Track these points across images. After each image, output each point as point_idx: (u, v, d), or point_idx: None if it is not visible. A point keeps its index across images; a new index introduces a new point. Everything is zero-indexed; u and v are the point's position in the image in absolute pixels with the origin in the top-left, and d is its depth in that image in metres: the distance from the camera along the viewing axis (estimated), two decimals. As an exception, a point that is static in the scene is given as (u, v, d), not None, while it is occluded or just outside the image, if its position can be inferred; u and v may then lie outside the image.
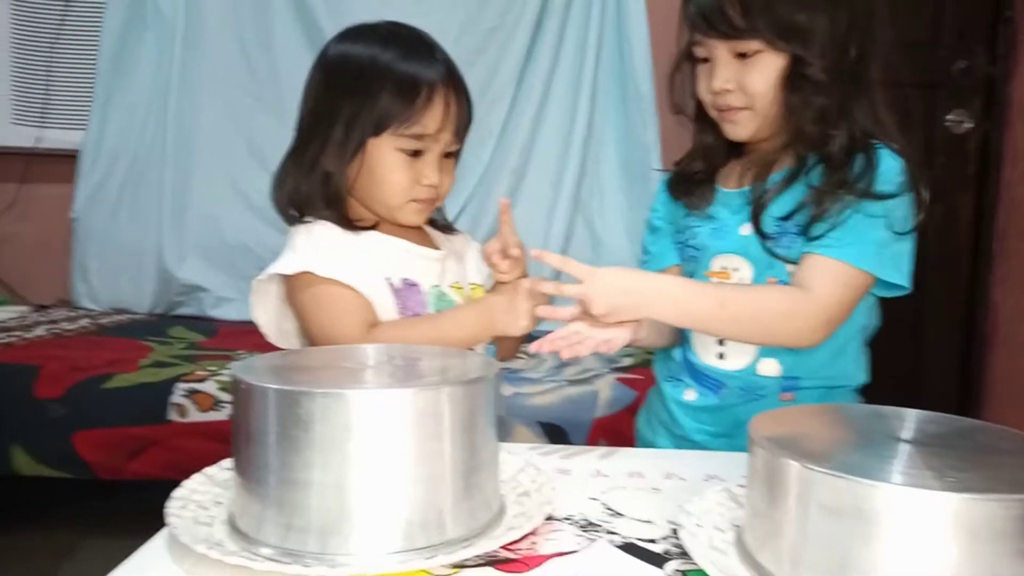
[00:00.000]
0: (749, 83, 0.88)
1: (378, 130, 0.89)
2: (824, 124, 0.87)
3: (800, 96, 0.87)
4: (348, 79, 0.91)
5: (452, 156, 0.96)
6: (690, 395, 0.98)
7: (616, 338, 0.89)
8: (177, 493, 0.65)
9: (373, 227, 0.95)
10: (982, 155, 2.26)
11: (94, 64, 2.62)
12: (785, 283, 0.90)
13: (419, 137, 0.90)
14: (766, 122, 0.91)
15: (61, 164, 2.65)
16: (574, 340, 0.87)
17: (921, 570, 0.46)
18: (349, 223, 0.93)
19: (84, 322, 2.40)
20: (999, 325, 2.08)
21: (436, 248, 1.00)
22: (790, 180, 0.89)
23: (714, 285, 0.92)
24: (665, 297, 0.86)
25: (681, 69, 0.96)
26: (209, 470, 0.70)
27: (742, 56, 0.88)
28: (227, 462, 0.68)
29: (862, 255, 0.85)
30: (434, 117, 0.89)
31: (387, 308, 0.92)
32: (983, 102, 2.25)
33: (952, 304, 2.30)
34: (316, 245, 0.90)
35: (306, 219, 0.93)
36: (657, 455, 0.86)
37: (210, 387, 1.72)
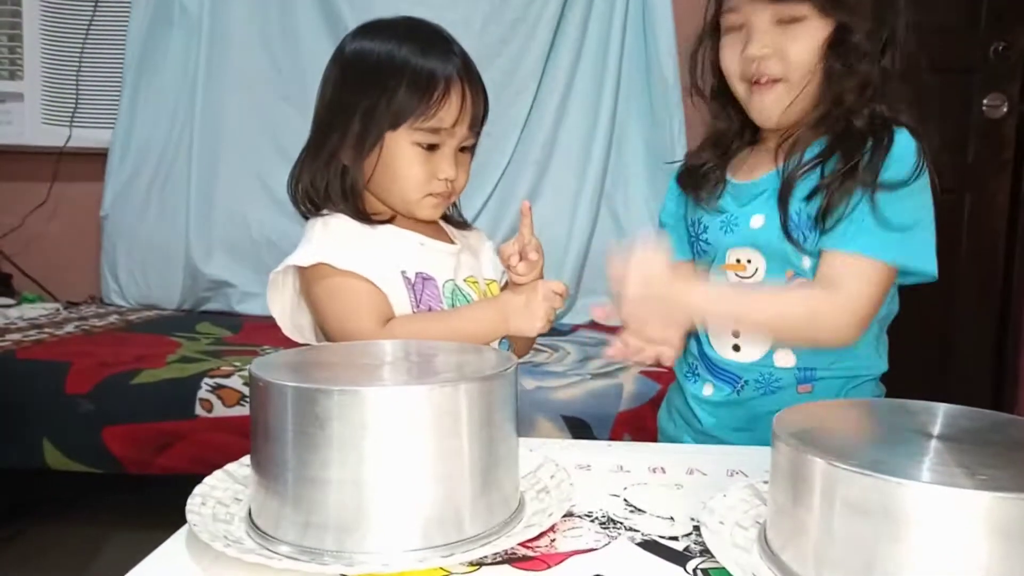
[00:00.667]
0: (790, 51, 0.85)
1: (395, 124, 0.90)
2: (862, 95, 0.85)
3: (844, 63, 0.84)
4: (365, 74, 0.91)
5: (467, 151, 0.96)
6: (707, 390, 0.97)
7: (665, 353, 0.86)
8: (198, 490, 0.65)
9: (389, 221, 0.95)
10: (1019, 140, 2.20)
11: (122, 63, 2.66)
12: (803, 276, 0.88)
13: (435, 131, 0.90)
14: (795, 101, 0.88)
15: (91, 162, 2.68)
16: (634, 349, 0.86)
17: (951, 571, 0.44)
18: (365, 216, 0.93)
19: (113, 319, 2.43)
20: (1035, 316, 2.02)
21: (452, 242, 1.00)
22: (822, 159, 0.86)
23: (733, 296, 0.91)
24: (687, 309, 0.86)
25: (703, 45, 0.94)
26: (229, 467, 0.70)
27: (783, 23, 0.85)
28: (246, 458, 0.68)
29: (885, 246, 0.83)
30: (451, 111, 0.89)
31: (402, 301, 0.92)
32: (1021, 85, 2.19)
33: (985, 294, 2.25)
34: (332, 237, 0.91)
35: (323, 212, 0.93)
36: (679, 450, 0.84)
37: (236, 382, 1.74)
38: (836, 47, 0.84)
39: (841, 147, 0.85)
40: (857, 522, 0.47)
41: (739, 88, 0.91)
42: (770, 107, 0.89)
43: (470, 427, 0.57)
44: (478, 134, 0.96)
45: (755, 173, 0.93)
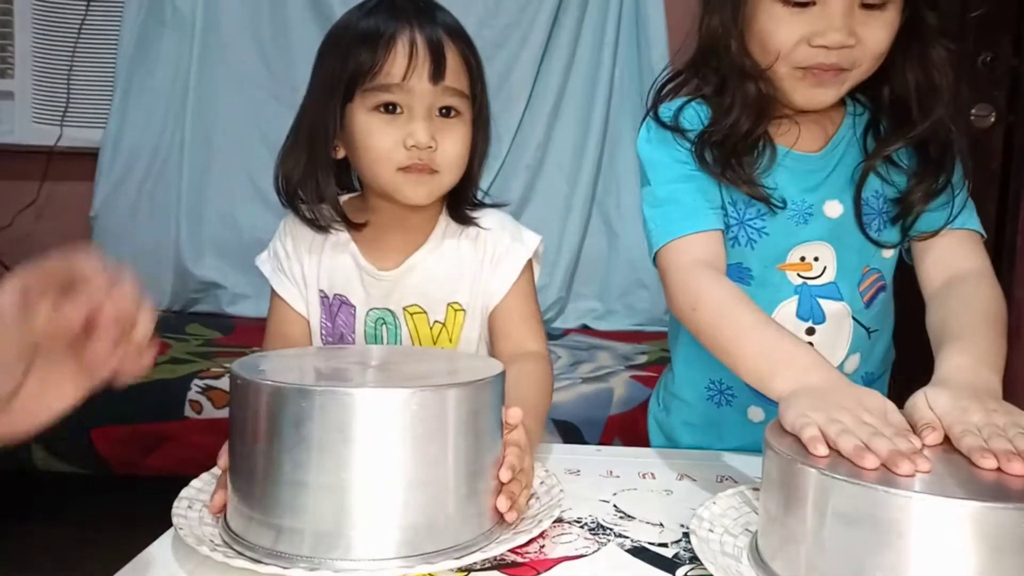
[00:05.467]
0: (874, 39, 0.74)
1: (349, 92, 0.81)
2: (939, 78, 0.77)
3: (922, 49, 0.77)
4: (324, 48, 0.86)
5: (455, 116, 0.83)
6: (756, 415, 0.88)
7: None
8: (184, 493, 0.65)
9: (362, 226, 0.88)
10: (1007, 150, 2.22)
11: (114, 63, 2.64)
12: (881, 271, 0.84)
13: (386, 88, 0.79)
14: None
15: (81, 162, 2.67)
16: None
17: (939, 580, 0.44)
18: (317, 221, 0.87)
19: (103, 319, 2.41)
20: (1021, 325, 2.04)
21: (396, 267, 0.88)
22: (892, 141, 0.79)
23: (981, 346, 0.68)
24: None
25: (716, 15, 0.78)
26: (216, 469, 0.69)
27: (867, 7, 0.73)
28: None
29: (974, 218, 0.83)
30: (398, 63, 0.79)
31: (314, 322, 0.91)
32: (1008, 95, 2.21)
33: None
34: (275, 248, 0.92)
35: (287, 209, 0.90)
36: (669, 455, 0.84)
37: (226, 384, 1.72)
38: (908, 33, 0.76)
39: (931, 143, 0.79)
40: (848, 532, 0.47)
41: (783, 71, 0.76)
42: (827, 99, 0.77)
43: (455, 432, 0.57)
44: (468, 96, 0.84)
45: (808, 144, 0.81)
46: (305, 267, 0.90)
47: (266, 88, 2.59)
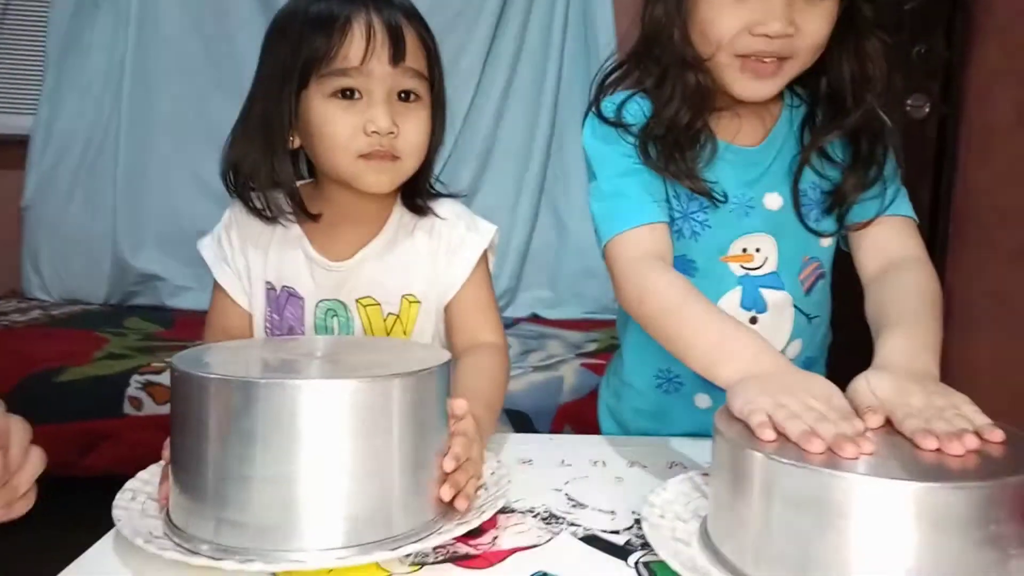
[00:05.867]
0: (813, 30, 0.74)
1: (304, 78, 0.79)
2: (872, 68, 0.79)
3: (857, 40, 0.78)
4: (273, 35, 0.83)
5: (415, 100, 0.81)
6: (703, 401, 0.89)
7: None
8: (129, 484, 0.64)
9: (313, 218, 0.85)
10: (940, 140, 2.29)
11: (43, 47, 2.54)
12: (819, 260, 0.86)
13: (344, 72, 0.77)
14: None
15: (10, 150, 2.56)
16: None
17: (885, 560, 0.45)
18: (265, 210, 0.85)
19: (35, 313, 2.33)
20: (954, 310, 2.12)
21: (349, 258, 0.87)
22: (826, 131, 0.80)
23: (924, 332, 0.70)
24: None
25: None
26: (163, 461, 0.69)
27: None
28: None
29: (907, 204, 0.84)
30: (356, 46, 0.77)
31: (258, 316, 0.89)
32: (941, 87, 2.28)
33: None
34: (219, 236, 0.90)
35: (234, 198, 0.87)
36: (620, 442, 0.85)
37: (167, 379, 1.68)
38: (845, 23, 0.77)
39: (865, 133, 0.81)
40: (795, 514, 0.48)
41: (724, 60, 0.76)
42: (766, 92, 0.78)
43: (400, 423, 0.56)
44: (425, 79, 0.82)
45: (747, 138, 0.82)
46: (250, 260, 0.88)
47: (206, 73, 2.52)
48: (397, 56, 0.78)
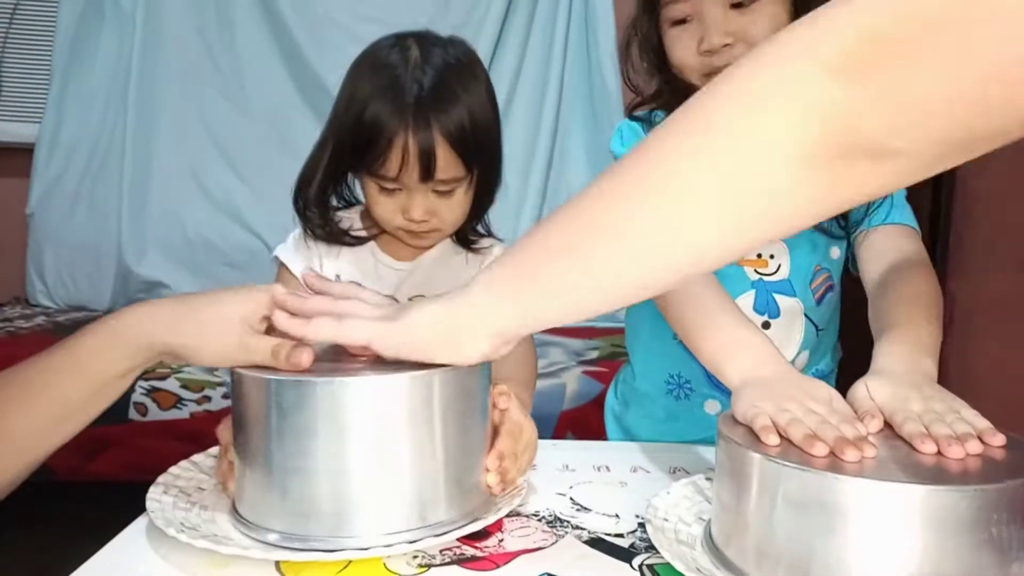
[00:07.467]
0: (755, 33, 0.77)
1: (354, 167, 0.88)
2: None
3: None
4: (337, 106, 0.88)
5: (453, 191, 0.86)
6: (712, 407, 0.91)
7: None
8: (161, 479, 0.67)
9: (378, 234, 0.93)
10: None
11: (49, 56, 2.56)
12: (830, 270, 0.87)
13: (383, 176, 0.84)
14: None
15: (15, 158, 2.58)
16: None
17: (887, 563, 0.46)
18: (327, 231, 0.91)
19: (40, 320, 2.33)
20: (955, 316, 2.12)
21: (410, 260, 0.94)
22: None
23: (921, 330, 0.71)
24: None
25: (634, 42, 0.86)
26: (196, 457, 0.72)
27: (738, 6, 0.78)
28: (214, 449, 0.69)
29: (908, 214, 0.85)
30: (393, 163, 0.83)
31: None
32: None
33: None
34: (299, 240, 0.93)
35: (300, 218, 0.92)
36: (623, 448, 0.86)
37: (171, 385, 1.69)
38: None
39: None
40: (797, 517, 0.49)
41: (699, 81, 0.81)
42: None
43: (442, 415, 0.58)
44: (463, 175, 0.86)
45: None
46: (323, 257, 0.93)
47: (210, 83, 2.54)
48: (426, 175, 0.83)
